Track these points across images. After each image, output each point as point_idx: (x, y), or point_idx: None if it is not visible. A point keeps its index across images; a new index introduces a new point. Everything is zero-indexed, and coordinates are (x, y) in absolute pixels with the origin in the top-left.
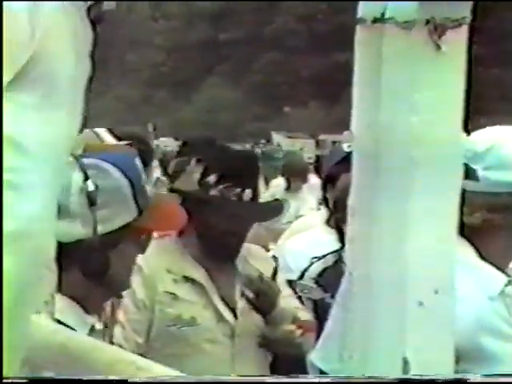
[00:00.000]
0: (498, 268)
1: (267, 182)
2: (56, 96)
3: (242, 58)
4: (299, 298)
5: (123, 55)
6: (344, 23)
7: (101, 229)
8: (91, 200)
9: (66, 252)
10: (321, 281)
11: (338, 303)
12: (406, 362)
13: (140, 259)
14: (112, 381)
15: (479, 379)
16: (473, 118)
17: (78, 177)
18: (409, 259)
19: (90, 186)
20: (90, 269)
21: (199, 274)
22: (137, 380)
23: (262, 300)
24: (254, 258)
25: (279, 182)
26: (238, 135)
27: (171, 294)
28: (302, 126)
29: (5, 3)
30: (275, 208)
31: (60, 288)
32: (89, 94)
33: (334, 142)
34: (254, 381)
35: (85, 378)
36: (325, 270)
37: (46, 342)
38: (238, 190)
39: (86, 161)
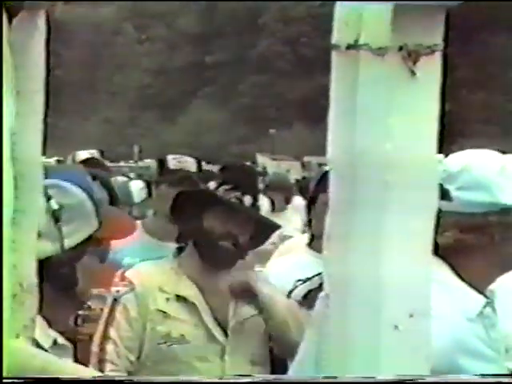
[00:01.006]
0: (471, 287)
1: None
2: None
3: (227, 80)
4: None
5: (110, 78)
6: (329, 46)
7: (67, 243)
8: (56, 218)
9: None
10: (306, 303)
11: (311, 326)
12: None
13: (134, 277)
14: (112, 381)
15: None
16: (457, 140)
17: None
18: (384, 283)
19: (54, 205)
20: (59, 284)
21: (192, 294)
22: (136, 380)
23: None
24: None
25: (263, 202)
26: (223, 157)
27: (162, 312)
28: (287, 148)
29: None
30: (272, 226)
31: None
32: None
33: (320, 165)
34: (253, 381)
35: (84, 378)
36: (310, 292)
37: (24, 366)
38: (238, 193)
39: (45, 181)
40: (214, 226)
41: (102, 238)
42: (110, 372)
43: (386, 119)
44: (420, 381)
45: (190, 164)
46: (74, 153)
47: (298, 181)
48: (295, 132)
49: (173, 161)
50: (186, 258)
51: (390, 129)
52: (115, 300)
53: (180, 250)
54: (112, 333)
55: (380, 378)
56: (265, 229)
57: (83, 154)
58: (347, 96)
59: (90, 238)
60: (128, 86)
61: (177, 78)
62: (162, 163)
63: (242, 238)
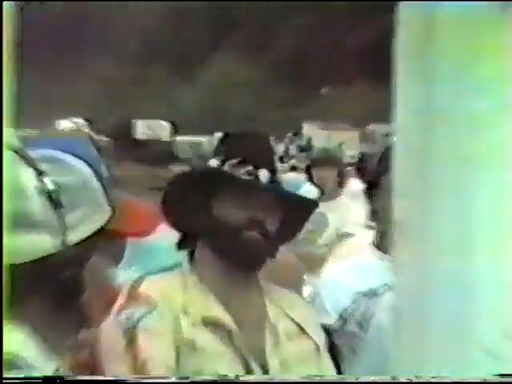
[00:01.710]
0: None
1: None
2: None
3: (261, 23)
4: (334, 349)
5: (106, 24)
6: None
7: (72, 237)
8: (54, 202)
9: (30, 273)
10: (366, 327)
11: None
12: None
13: (152, 292)
14: (112, 381)
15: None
16: None
17: (29, 174)
18: (473, 291)
19: (49, 184)
20: (59, 292)
21: (223, 314)
22: (135, 380)
23: None
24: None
25: (309, 189)
26: (255, 126)
27: (190, 340)
28: (343, 114)
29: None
30: (308, 203)
31: (22, 317)
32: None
33: (385, 135)
34: (254, 381)
35: (85, 378)
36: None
37: None
38: (251, 167)
39: (33, 154)
40: (229, 213)
41: (115, 231)
42: None
43: (472, 70)
44: (416, 381)
45: (163, 130)
46: (53, 123)
47: (355, 158)
48: (356, 91)
49: (141, 127)
50: (198, 266)
51: (477, 82)
52: (129, 328)
53: (191, 258)
54: (143, 354)
55: (376, 378)
56: (297, 209)
57: (65, 124)
58: (419, 42)
59: (100, 231)
60: (130, 34)
61: (193, 21)
62: (125, 132)
63: (270, 225)
